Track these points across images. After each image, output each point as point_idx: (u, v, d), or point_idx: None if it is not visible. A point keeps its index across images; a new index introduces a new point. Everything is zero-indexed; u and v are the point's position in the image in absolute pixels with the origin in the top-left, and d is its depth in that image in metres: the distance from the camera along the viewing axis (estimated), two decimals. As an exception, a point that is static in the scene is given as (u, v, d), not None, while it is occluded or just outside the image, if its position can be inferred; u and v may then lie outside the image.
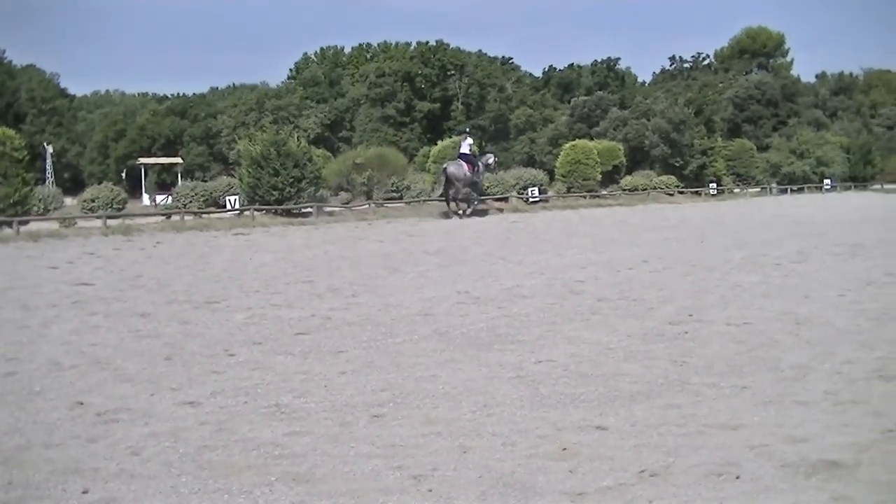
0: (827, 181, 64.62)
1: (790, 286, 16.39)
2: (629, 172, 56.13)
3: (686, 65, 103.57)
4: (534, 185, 45.01)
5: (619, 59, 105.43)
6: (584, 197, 47.95)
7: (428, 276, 18.86)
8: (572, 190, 49.68)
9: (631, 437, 7.46)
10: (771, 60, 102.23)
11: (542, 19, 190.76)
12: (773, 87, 79.32)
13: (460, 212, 38.02)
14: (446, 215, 37.95)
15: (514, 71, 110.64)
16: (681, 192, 54.41)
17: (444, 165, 38.85)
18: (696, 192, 55.12)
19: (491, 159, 41.93)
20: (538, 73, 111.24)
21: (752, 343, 11.22)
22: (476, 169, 38.75)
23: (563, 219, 36.30)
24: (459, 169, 37.71)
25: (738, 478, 6.39)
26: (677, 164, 56.54)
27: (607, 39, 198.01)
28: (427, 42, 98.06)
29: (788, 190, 61.76)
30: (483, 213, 40.07)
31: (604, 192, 51.00)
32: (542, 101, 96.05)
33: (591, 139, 58.55)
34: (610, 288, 16.39)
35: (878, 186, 69.77)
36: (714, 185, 57.12)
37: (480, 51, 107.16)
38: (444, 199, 38.62)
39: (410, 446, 7.28)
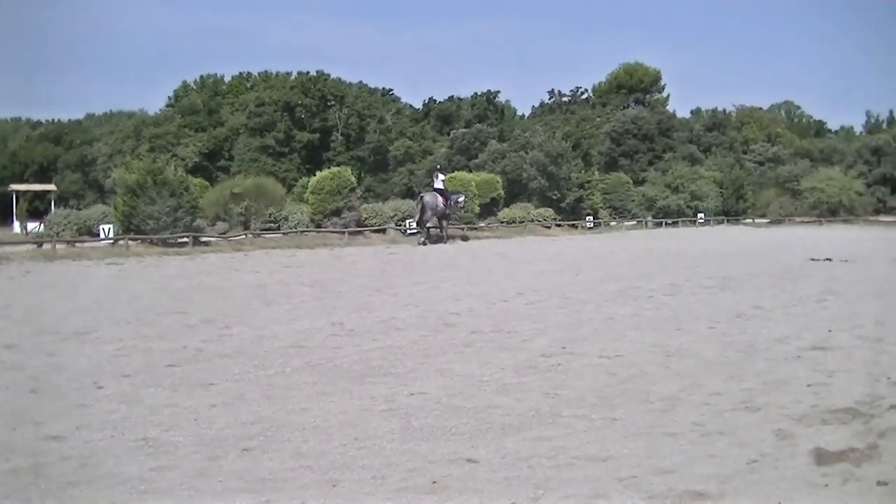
0: (700, 215, 66.20)
1: (662, 318, 16.73)
2: (507, 205, 56.56)
3: (565, 99, 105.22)
4: (411, 217, 45.04)
5: (498, 92, 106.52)
6: (462, 229, 48.16)
7: (303, 307, 18.72)
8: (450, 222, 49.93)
9: (501, 470, 7.51)
10: (647, 96, 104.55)
11: (424, 51, 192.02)
12: (650, 121, 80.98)
13: (434, 238, 41.79)
14: (423, 243, 40.89)
15: (394, 102, 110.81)
16: (558, 225, 55.12)
17: (422, 195, 43.12)
18: (573, 225, 55.92)
19: (461, 198, 45.45)
20: (418, 105, 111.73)
21: (622, 375, 11.41)
22: (448, 202, 42.47)
23: (440, 250, 36.46)
24: (434, 199, 41.72)
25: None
26: (555, 197, 57.24)
27: (488, 72, 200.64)
28: (307, 72, 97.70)
29: (663, 223, 63.05)
30: (443, 239, 42.84)
31: (482, 224, 51.32)
32: (421, 132, 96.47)
33: (470, 171, 58.90)
34: (484, 320, 16.50)
35: (750, 220, 71.71)
36: (591, 218, 58.01)
37: (361, 82, 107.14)
38: (419, 226, 42.48)
39: (279, 480, 7.22)
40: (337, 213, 43.54)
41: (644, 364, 12.11)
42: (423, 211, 41.81)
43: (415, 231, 43.13)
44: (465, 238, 45.50)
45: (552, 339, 14.22)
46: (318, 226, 43.02)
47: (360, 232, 43.27)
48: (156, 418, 9.22)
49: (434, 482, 7.16)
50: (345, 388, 10.72)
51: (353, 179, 46.19)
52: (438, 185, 43.58)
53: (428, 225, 41.85)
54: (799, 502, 6.67)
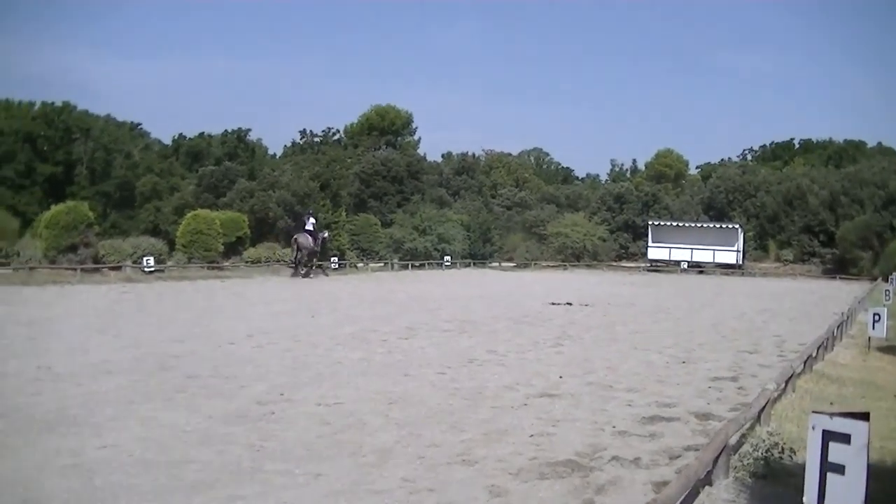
0: (447, 257, 66.44)
1: (391, 363, 16.13)
2: (254, 244, 55.29)
3: (316, 139, 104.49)
4: (150, 255, 43.17)
5: (249, 129, 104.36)
6: (205, 268, 46.58)
7: (10, 349, 17.08)
8: (193, 260, 48.26)
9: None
10: (399, 138, 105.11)
11: (174, 86, 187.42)
12: (399, 163, 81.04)
13: (303, 272, 48.18)
14: (296, 276, 47.38)
15: (142, 137, 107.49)
16: (305, 266, 54.21)
17: (296, 237, 49.04)
18: (319, 266, 54.99)
19: (326, 234, 52.41)
20: (167, 141, 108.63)
21: (338, 425, 10.68)
22: (317, 241, 49.21)
23: (177, 290, 34.86)
24: (307, 240, 48.39)
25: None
26: (301, 238, 56.31)
27: (239, 110, 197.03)
28: (52, 102, 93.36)
29: (410, 265, 62.86)
30: (310, 273, 48.86)
31: (225, 264, 49.84)
32: (169, 168, 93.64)
33: (218, 209, 57.32)
34: (205, 363, 15.45)
35: (496, 263, 72.55)
36: (335, 259, 57.26)
37: (109, 115, 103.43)
38: (296, 264, 48.78)
39: None
40: (73, 248, 41.24)
41: (363, 413, 11.41)
42: (298, 251, 48.46)
43: (294, 267, 49.03)
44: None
45: (272, 385, 13.36)
46: (52, 262, 40.60)
47: (97, 269, 41.07)
48: None
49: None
50: (29, 441, 9.54)
51: (90, 214, 44.21)
52: (309, 226, 49.62)
53: (303, 262, 48.68)
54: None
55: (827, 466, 4.84)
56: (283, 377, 14.19)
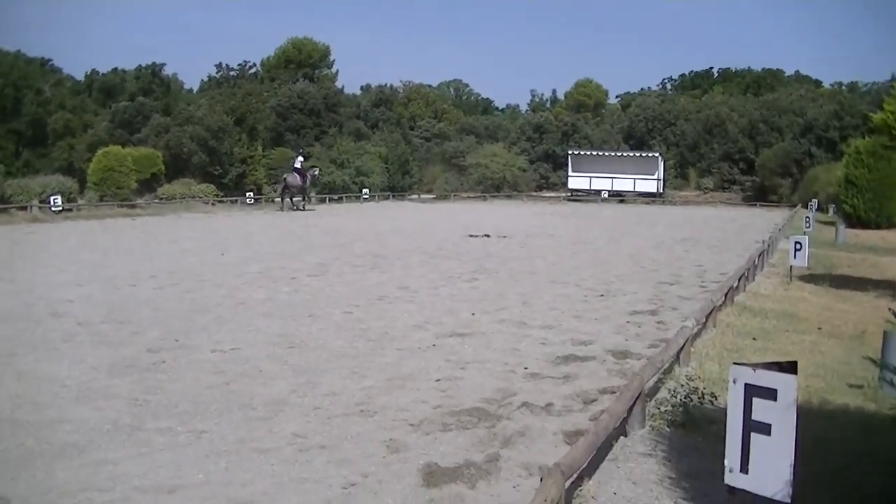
0: (365, 191, 65.36)
1: (297, 303, 15.40)
2: (170, 181, 53.97)
3: (233, 73, 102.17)
4: (58, 194, 41.73)
5: (164, 64, 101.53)
6: (118, 206, 45.26)
7: None
8: (105, 199, 46.93)
9: (31, 512, 5.90)
10: (316, 72, 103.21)
11: (87, 20, 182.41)
12: (316, 97, 79.49)
13: (294, 208, 51.57)
14: (281, 210, 50.82)
15: (53, 73, 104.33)
16: (220, 202, 53.02)
17: (284, 175, 52.24)
18: (234, 202, 53.82)
19: (316, 171, 55.53)
20: (80, 77, 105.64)
21: (231, 373, 9.97)
22: (305, 179, 52.05)
23: (84, 230, 33.58)
24: (294, 179, 51.25)
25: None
26: (216, 173, 55.21)
27: (154, 43, 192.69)
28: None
29: (327, 199, 61.74)
30: (301, 208, 52.44)
31: (139, 202, 48.52)
32: (82, 105, 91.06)
33: (133, 146, 55.78)
34: (99, 309, 14.55)
35: (416, 196, 71.83)
36: (251, 194, 56.09)
37: (19, 51, 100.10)
38: (280, 199, 52.50)
39: None
40: (-25, 189, 39.78)
41: (260, 359, 10.69)
42: (285, 189, 51.60)
43: (280, 201, 52.53)
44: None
45: (167, 331, 12.54)
46: (-47, 204, 39.16)
47: (3, 210, 39.61)
48: None
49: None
50: None
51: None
52: (297, 164, 52.45)
53: (287, 198, 51.73)
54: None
55: (751, 426, 4.24)
56: (181, 321, 13.37)
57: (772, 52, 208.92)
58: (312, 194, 57.81)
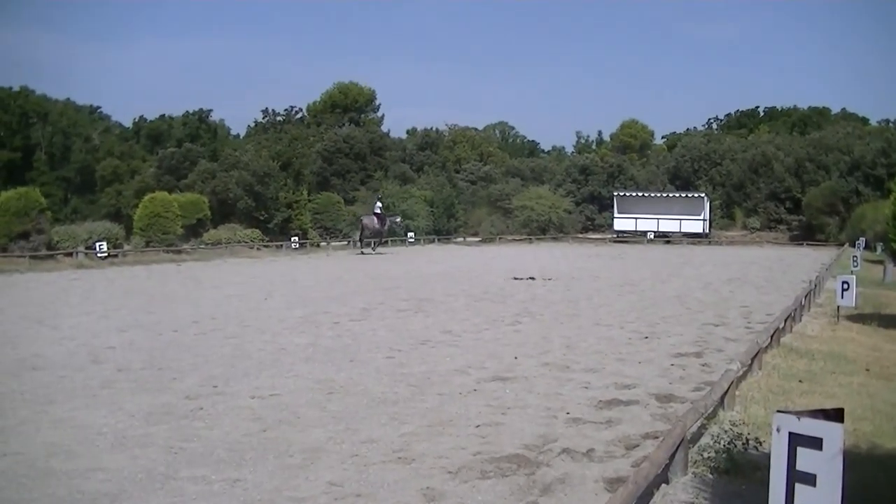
0: (411, 234, 65.40)
1: (338, 348, 15.30)
2: (216, 226, 54.23)
3: (279, 118, 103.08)
4: (103, 240, 41.99)
5: (211, 110, 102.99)
6: (163, 252, 45.50)
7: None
8: (151, 244, 47.20)
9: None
10: (362, 115, 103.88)
11: (134, 68, 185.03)
12: (362, 140, 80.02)
13: (368, 249, 53.18)
14: (361, 253, 52.30)
15: (102, 120, 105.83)
16: (265, 246, 53.17)
17: (361, 217, 56.04)
18: (279, 246, 53.94)
19: (398, 219, 58.87)
20: (128, 124, 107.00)
21: (269, 420, 9.86)
22: (384, 223, 54.58)
23: (129, 276, 33.75)
24: (371, 221, 53.84)
25: None
26: (262, 218, 55.38)
27: (200, 90, 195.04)
28: (9, 87, 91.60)
29: (373, 243, 61.76)
30: (374, 250, 53.33)
31: (185, 247, 48.74)
32: (130, 151, 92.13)
33: (180, 191, 56.21)
34: (140, 355, 14.52)
35: (461, 239, 71.63)
36: (296, 239, 56.19)
37: (68, 99, 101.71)
38: (359, 242, 54.30)
39: None
40: (24, 235, 40.07)
41: (299, 405, 10.57)
42: (362, 230, 53.97)
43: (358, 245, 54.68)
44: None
45: (206, 377, 12.48)
46: (4, 249, 39.43)
47: (50, 256, 39.96)
48: None
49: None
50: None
51: (42, 200, 42.90)
52: (377, 209, 55.06)
53: (368, 240, 53.73)
54: None
55: (795, 476, 4.05)
56: (220, 367, 13.31)
57: (818, 90, 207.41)
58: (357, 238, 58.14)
